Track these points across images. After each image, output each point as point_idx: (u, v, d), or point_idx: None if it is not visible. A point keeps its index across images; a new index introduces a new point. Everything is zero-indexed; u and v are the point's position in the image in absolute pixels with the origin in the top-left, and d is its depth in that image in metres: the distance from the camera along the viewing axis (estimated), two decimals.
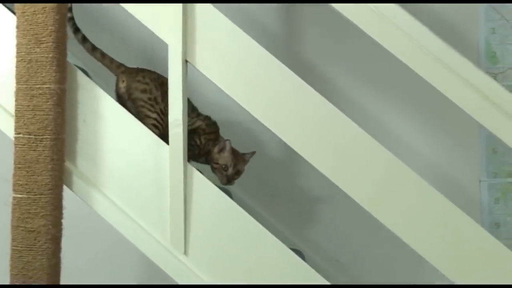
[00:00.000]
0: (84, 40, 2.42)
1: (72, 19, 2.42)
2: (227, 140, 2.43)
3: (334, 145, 2.18)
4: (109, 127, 2.24)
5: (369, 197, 2.16)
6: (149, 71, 2.42)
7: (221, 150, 2.43)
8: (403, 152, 2.59)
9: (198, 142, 2.42)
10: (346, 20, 2.15)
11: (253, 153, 2.50)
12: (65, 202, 2.21)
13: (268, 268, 2.19)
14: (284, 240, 2.28)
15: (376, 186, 2.16)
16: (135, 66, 2.43)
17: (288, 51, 2.97)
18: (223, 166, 2.43)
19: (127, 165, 2.23)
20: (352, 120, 2.18)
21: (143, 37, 2.97)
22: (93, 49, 2.43)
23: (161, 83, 2.36)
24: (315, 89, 2.20)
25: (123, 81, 2.39)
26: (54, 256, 2.15)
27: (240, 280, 2.18)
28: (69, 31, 2.36)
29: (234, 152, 2.45)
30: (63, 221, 2.20)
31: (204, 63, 2.21)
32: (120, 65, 2.44)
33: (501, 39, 2.90)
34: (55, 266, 2.16)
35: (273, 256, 2.19)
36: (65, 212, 2.21)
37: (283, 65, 2.20)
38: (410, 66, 2.14)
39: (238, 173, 2.46)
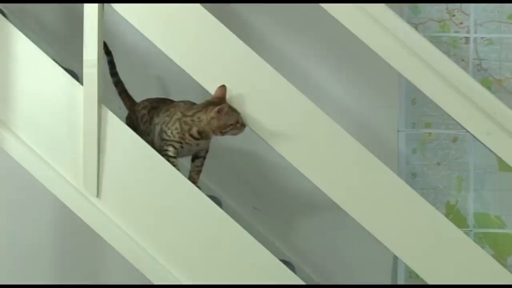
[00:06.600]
0: (116, 84, 2.48)
1: (111, 62, 2.45)
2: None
3: (251, 89, 2.16)
4: (22, 67, 2.18)
5: (282, 140, 2.15)
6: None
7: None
8: (322, 99, 2.60)
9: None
10: None
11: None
12: None
13: (181, 213, 2.17)
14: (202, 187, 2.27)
15: (290, 129, 2.15)
16: None
17: None
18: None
19: (39, 105, 2.18)
20: (270, 65, 2.16)
21: None
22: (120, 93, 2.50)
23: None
24: (234, 32, 2.18)
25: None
26: None
27: (151, 223, 2.17)
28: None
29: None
30: None
31: (121, 3, 2.16)
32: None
33: None
34: None
35: (187, 201, 2.17)
36: None
37: (202, 8, 2.17)
38: (330, 12, 2.13)
39: None
